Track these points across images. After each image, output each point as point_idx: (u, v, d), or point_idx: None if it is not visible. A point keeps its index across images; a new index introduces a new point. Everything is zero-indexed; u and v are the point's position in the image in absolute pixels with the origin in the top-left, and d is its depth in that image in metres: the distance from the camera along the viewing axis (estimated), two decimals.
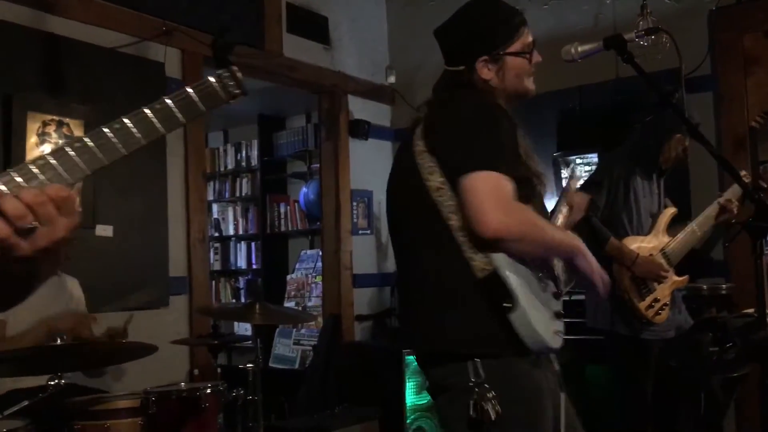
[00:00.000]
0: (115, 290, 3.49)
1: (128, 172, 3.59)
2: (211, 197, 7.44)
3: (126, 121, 0.94)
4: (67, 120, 3.37)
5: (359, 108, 5.15)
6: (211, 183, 7.50)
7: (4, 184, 0.86)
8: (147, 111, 0.95)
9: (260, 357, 3.02)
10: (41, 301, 2.86)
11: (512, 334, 1.66)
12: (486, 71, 1.89)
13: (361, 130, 5.08)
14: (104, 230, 3.50)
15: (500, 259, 1.67)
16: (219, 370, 3.32)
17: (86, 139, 0.92)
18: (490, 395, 1.63)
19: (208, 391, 2.59)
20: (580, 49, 2.09)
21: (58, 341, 2.35)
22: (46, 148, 3.28)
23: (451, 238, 1.71)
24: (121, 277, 3.54)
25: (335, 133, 5.01)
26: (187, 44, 3.95)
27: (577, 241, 1.83)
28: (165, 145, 3.82)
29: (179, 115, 0.97)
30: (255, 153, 7.17)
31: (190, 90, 0.97)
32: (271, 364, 6.28)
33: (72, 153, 0.90)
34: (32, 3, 3.30)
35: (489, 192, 1.65)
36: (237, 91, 1.01)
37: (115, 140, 0.93)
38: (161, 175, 3.81)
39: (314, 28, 4.84)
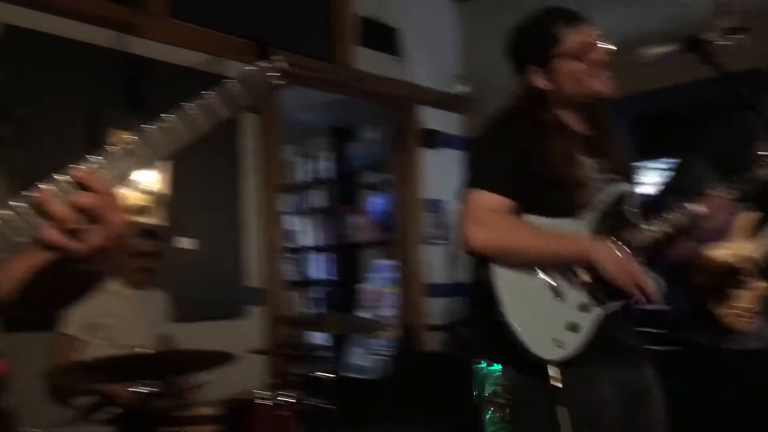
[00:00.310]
0: (196, 301, 3.59)
1: (207, 187, 3.71)
2: (286, 209, 7.57)
3: (170, 118, 0.97)
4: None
5: (430, 117, 5.15)
6: (287, 195, 7.63)
7: (57, 185, 0.88)
8: (194, 105, 0.98)
9: (336, 366, 3.04)
10: (129, 317, 2.97)
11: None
12: (539, 80, 1.87)
13: (432, 139, 5.07)
14: (185, 243, 3.61)
15: (496, 267, 1.75)
16: (296, 379, 3.36)
17: (133, 139, 0.96)
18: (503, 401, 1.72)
19: (286, 400, 2.63)
20: (656, 51, 2.02)
21: (140, 350, 2.44)
22: None
23: None
24: (201, 289, 3.64)
25: (406, 143, 5.03)
26: None
27: (582, 246, 1.78)
28: (242, 160, 3.92)
29: (220, 110, 0.99)
30: (328, 165, 7.25)
31: (235, 82, 0.99)
32: (346, 374, 6.32)
33: (124, 151, 0.94)
34: (116, 26, 3.45)
35: (468, 210, 1.80)
36: (279, 82, 1.01)
37: (159, 139, 0.96)
38: (238, 189, 3.90)
39: (384, 39, 4.88)
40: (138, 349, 2.47)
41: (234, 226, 3.87)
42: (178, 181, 3.57)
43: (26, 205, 0.85)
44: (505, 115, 1.93)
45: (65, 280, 0.98)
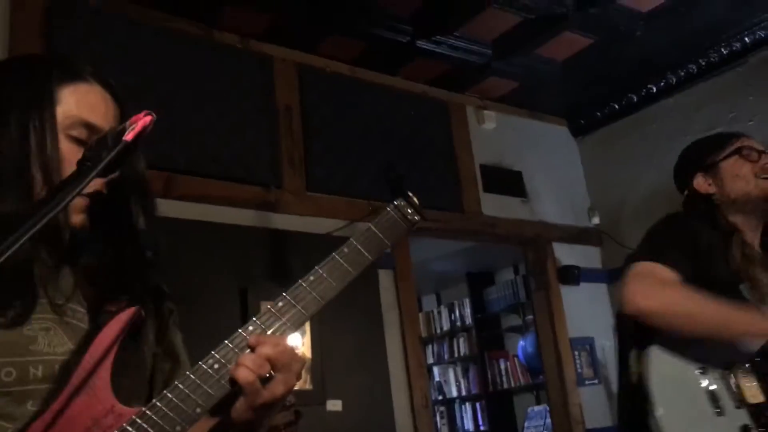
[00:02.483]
0: None
1: (351, 347, 3.79)
2: (431, 360, 7.52)
3: (320, 271, 1.05)
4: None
5: (566, 254, 5.08)
6: (429, 346, 7.61)
7: (248, 333, 0.98)
8: (337, 257, 1.05)
9: None
10: None
11: None
12: (705, 185, 1.88)
13: (571, 275, 4.97)
14: (334, 405, 3.65)
15: (654, 362, 1.64)
16: None
17: (283, 300, 1.05)
18: None
19: None
20: None
21: None
22: None
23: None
24: None
25: (545, 282, 4.95)
26: None
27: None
28: (381, 315, 4.00)
29: (366, 254, 1.05)
30: (468, 311, 7.23)
31: (371, 226, 1.05)
32: None
33: (277, 313, 1.03)
34: (257, 205, 3.75)
35: (640, 274, 1.71)
36: (416, 218, 1.07)
37: (312, 292, 1.05)
38: (380, 345, 3.95)
39: (509, 183, 4.97)
40: None
41: (380, 382, 3.88)
42: (320, 342, 3.68)
43: (233, 347, 0.96)
44: (680, 215, 1.91)
45: None
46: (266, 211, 3.78)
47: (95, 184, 0.94)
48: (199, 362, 0.96)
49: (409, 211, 1.09)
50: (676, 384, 1.65)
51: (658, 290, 1.68)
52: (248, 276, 3.60)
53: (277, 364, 0.95)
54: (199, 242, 3.50)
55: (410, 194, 1.10)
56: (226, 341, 0.97)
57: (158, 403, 0.91)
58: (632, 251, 1.89)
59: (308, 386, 3.57)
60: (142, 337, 1.04)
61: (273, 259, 3.71)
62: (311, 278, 1.05)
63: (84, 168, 0.81)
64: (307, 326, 3.67)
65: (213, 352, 0.97)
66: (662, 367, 1.65)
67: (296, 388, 3.23)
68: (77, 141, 0.98)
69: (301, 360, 0.99)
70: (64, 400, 0.90)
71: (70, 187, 0.76)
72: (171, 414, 0.90)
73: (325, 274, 1.05)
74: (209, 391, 0.93)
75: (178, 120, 3.54)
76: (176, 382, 0.93)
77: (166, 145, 3.48)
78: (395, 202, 1.10)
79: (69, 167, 0.92)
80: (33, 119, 0.95)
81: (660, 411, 1.60)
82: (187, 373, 0.94)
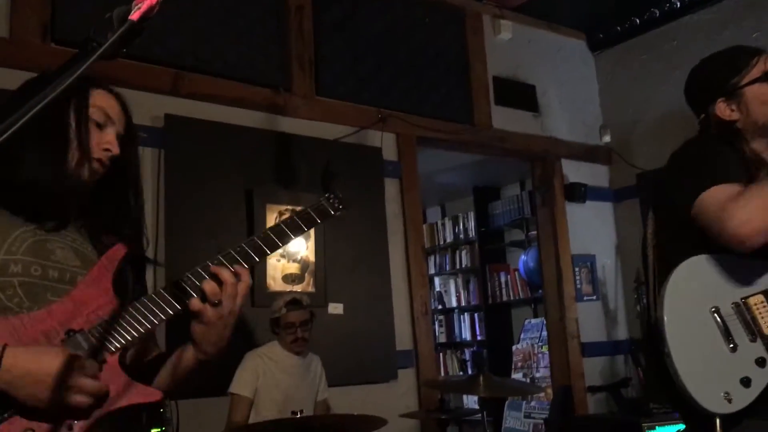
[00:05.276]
0: (347, 366, 3.67)
1: (355, 253, 3.83)
2: (432, 271, 7.63)
3: (269, 232, 1.37)
4: (299, 208, 3.68)
5: (574, 171, 5.05)
6: (432, 257, 7.70)
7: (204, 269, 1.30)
8: (283, 226, 1.38)
9: (488, 430, 2.98)
10: (290, 383, 3.10)
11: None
12: (728, 112, 1.80)
13: (578, 193, 4.96)
14: (335, 308, 3.73)
15: (669, 305, 1.65)
16: None
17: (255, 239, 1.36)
18: None
19: None
20: None
21: (298, 414, 2.52)
22: None
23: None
24: (351, 352, 3.72)
25: (551, 198, 4.94)
26: (400, 128, 4.18)
27: None
28: (386, 224, 4.02)
29: (303, 226, 1.41)
30: (472, 224, 7.27)
31: (309, 210, 1.43)
32: None
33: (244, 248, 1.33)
34: (266, 108, 3.71)
35: (715, 207, 1.61)
36: (340, 207, 1.45)
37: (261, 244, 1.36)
38: (384, 253, 3.99)
39: (522, 97, 4.89)
40: (300, 413, 2.55)
41: (382, 288, 3.95)
42: (324, 247, 3.72)
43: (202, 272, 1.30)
44: (704, 139, 1.82)
45: (184, 370, 1.36)
46: (274, 114, 3.74)
47: (112, 145, 1.36)
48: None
49: (336, 203, 1.46)
50: (688, 323, 1.65)
51: (745, 214, 1.57)
52: (254, 178, 3.61)
53: (225, 292, 1.27)
54: (207, 142, 3.48)
55: (338, 193, 1.46)
56: (197, 267, 1.30)
57: (136, 303, 1.27)
58: (641, 171, 1.86)
59: (311, 289, 3.64)
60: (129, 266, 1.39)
61: (279, 163, 3.70)
62: (254, 239, 1.35)
63: (91, 47, 0.80)
64: (312, 231, 3.70)
65: (187, 274, 1.29)
66: (675, 307, 1.66)
67: (299, 290, 3.28)
68: (98, 125, 1.38)
69: (243, 291, 1.29)
70: (78, 291, 1.28)
71: (79, 64, 0.76)
72: (143, 310, 1.26)
73: (260, 241, 1.35)
74: (172, 301, 1.28)
75: (185, 15, 3.45)
76: (151, 294, 1.29)
77: (174, 42, 3.41)
78: (327, 195, 1.45)
79: (93, 143, 1.36)
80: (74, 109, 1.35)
81: (673, 351, 1.62)
82: (159, 289, 1.29)
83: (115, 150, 1.37)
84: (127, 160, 1.43)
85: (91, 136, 1.36)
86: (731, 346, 1.64)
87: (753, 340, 1.66)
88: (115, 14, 0.83)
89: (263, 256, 1.35)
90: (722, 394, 1.60)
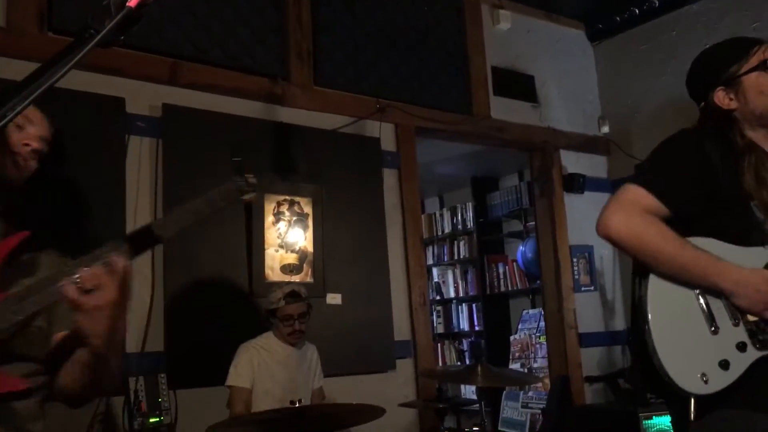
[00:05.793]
0: (345, 355, 3.67)
1: (353, 244, 3.83)
2: (430, 261, 7.64)
3: (177, 211, 1.41)
4: (297, 198, 3.69)
5: (573, 162, 5.05)
6: (430, 247, 7.70)
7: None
8: (189, 206, 1.42)
9: (486, 420, 2.99)
10: (286, 374, 3.10)
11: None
12: (726, 101, 1.81)
13: (576, 183, 4.96)
14: (333, 298, 3.73)
15: (653, 286, 1.67)
16: None
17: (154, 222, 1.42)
18: None
19: None
20: None
21: (297, 404, 2.53)
22: (282, 226, 3.61)
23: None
24: (349, 342, 3.73)
25: (549, 189, 4.94)
26: (399, 118, 4.17)
27: (722, 273, 1.63)
28: (384, 215, 4.02)
29: (206, 209, 1.44)
30: (470, 215, 7.27)
31: (216, 192, 1.44)
32: (500, 428, 6.17)
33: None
34: (264, 98, 3.70)
35: (619, 198, 1.72)
36: (250, 190, 1.47)
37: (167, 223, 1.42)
38: (382, 243, 3.99)
39: (520, 87, 4.88)
40: (297, 403, 2.55)
41: (380, 279, 3.95)
42: (322, 237, 3.72)
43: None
44: (691, 132, 1.84)
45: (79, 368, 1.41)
46: (273, 104, 3.73)
47: (31, 139, 1.49)
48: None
49: (245, 186, 1.47)
50: (671, 303, 1.66)
51: (635, 219, 1.69)
52: (252, 168, 3.58)
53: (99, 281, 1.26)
54: (205, 132, 3.47)
55: (248, 176, 1.47)
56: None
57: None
58: (639, 162, 1.86)
59: (309, 279, 3.64)
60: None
61: (277, 152, 3.69)
62: (178, 210, 1.41)
63: (88, 34, 0.80)
64: (310, 221, 3.70)
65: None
66: (660, 287, 1.67)
67: (297, 280, 3.27)
68: (17, 126, 1.49)
69: (119, 281, 1.27)
70: None
71: (76, 52, 0.75)
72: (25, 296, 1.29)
73: (174, 215, 1.42)
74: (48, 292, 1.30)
75: (183, 4, 3.44)
76: (33, 282, 1.34)
77: (172, 31, 3.40)
78: (235, 179, 1.46)
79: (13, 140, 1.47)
80: None
81: (653, 328, 1.62)
82: (42, 278, 1.33)
83: (35, 145, 1.49)
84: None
85: (11, 135, 1.47)
86: (713, 328, 1.65)
87: (736, 325, 1.66)
88: (112, 1, 0.83)
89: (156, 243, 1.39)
90: (699, 374, 1.61)
